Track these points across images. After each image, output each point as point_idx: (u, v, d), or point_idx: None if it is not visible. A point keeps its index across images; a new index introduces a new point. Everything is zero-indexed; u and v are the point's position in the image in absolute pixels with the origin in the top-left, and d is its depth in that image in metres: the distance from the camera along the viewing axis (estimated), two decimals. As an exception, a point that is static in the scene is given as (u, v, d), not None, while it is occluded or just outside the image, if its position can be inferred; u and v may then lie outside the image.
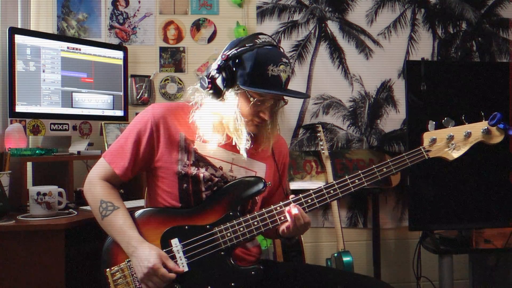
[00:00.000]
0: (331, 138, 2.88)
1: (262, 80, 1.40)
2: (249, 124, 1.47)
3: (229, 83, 1.43)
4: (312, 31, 2.89)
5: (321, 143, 2.72)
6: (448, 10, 2.97)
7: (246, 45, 1.43)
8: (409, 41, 2.95)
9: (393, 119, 2.91)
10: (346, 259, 2.50)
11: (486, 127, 1.48)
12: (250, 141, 1.46)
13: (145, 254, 1.37)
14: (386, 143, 2.90)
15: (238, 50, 1.42)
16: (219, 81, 1.44)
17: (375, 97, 2.92)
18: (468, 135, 1.48)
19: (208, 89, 1.46)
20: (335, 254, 2.56)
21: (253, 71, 1.40)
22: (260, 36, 1.47)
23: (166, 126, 1.48)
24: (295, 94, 1.45)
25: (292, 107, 2.84)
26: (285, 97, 1.48)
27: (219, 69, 1.44)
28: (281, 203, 1.44)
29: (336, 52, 2.90)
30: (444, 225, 2.45)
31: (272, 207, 1.44)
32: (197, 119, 1.49)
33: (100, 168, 1.52)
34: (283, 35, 2.86)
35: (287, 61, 1.43)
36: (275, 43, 1.48)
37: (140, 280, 1.39)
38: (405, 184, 2.72)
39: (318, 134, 2.74)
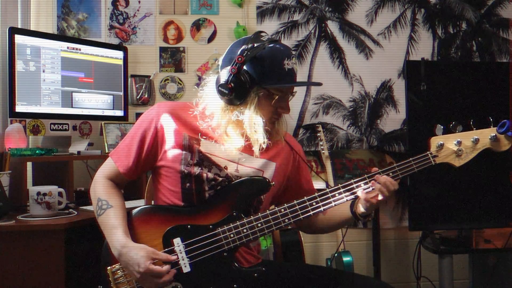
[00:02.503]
0: (331, 138, 2.88)
1: (282, 76, 1.43)
2: (268, 122, 1.48)
3: (250, 85, 1.41)
4: (312, 31, 2.88)
5: (321, 143, 2.72)
6: (448, 10, 2.97)
7: (255, 44, 1.41)
8: (409, 41, 2.95)
9: (393, 119, 2.91)
10: (346, 259, 2.50)
11: (494, 134, 1.45)
12: (266, 142, 1.45)
13: (132, 259, 1.34)
14: (386, 143, 2.90)
15: (251, 51, 1.40)
16: (239, 86, 1.41)
17: (375, 97, 2.92)
18: (476, 141, 1.45)
19: (230, 96, 1.42)
20: (335, 254, 2.56)
21: (272, 69, 1.42)
22: (261, 34, 1.48)
23: (170, 124, 1.48)
24: (315, 83, 1.54)
25: (292, 107, 2.78)
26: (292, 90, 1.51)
27: (237, 74, 1.40)
28: (286, 205, 1.43)
29: (336, 52, 2.90)
30: (444, 225, 2.44)
31: (276, 209, 1.43)
32: (214, 124, 1.49)
33: (105, 167, 1.53)
34: (283, 35, 2.86)
35: (294, 52, 1.47)
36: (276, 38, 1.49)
37: (138, 282, 1.38)
38: (405, 184, 2.72)
39: (318, 134, 2.74)
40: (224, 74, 1.42)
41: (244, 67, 1.41)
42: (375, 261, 2.77)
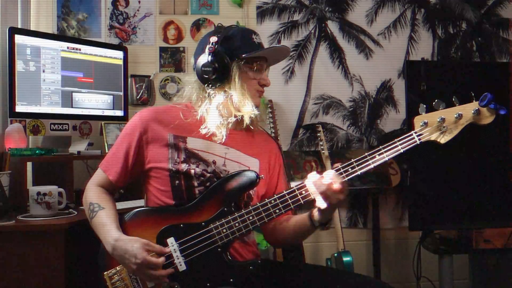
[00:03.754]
0: (331, 138, 2.88)
1: (254, 47, 1.52)
2: (254, 97, 1.54)
3: (230, 60, 1.49)
4: (312, 31, 2.89)
5: (321, 143, 2.72)
6: (448, 10, 2.97)
7: (221, 31, 1.52)
8: (409, 41, 2.95)
9: (393, 119, 2.91)
10: (346, 259, 2.50)
11: (476, 108, 1.43)
12: (255, 111, 1.51)
13: (128, 251, 1.34)
14: (386, 143, 2.89)
15: (222, 32, 1.51)
16: (221, 63, 1.48)
17: (375, 97, 2.92)
18: (459, 117, 1.43)
19: (214, 75, 1.48)
20: (335, 254, 2.56)
21: (244, 42, 1.51)
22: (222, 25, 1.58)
23: (153, 127, 1.50)
24: (283, 46, 1.61)
25: (292, 107, 2.85)
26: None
27: (216, 52, 1.48)
28: (276, 196, 1.43)
29: (336, 52, 2.90)
30: (444, 225, 2.45)
31: (267, 200, 1.43)
32: (204, 113, 1.52)
33: (95, 177, 1.56)
34: (283, 35, 2.86)
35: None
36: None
37: (134, 274, 1.38)
38: (405, 184, 2.72)
39: (318, 134, 2.74)
40: (203, 59, 1.49)
41: (221, 48, 1.49)
42: (375, 261, 2.77)
